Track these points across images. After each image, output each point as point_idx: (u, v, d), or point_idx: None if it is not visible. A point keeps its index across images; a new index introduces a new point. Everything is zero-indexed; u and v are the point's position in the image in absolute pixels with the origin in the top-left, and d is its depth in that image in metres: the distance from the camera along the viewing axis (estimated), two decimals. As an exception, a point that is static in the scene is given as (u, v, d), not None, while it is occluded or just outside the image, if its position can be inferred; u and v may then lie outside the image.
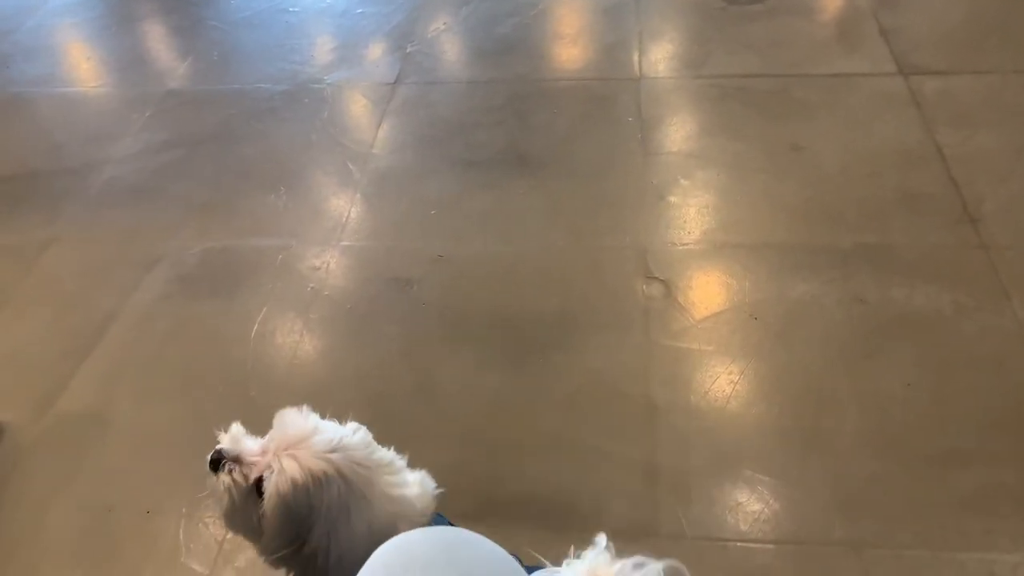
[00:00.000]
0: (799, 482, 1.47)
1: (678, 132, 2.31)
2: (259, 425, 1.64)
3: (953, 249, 1.86)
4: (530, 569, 0.87)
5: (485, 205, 2.14)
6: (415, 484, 1.07)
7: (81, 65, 2.98)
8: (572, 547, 0.83)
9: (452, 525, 1.04)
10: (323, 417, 1.04)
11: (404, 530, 0.86)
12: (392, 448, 1.08)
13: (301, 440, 0.98)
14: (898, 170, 2.07)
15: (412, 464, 1.04)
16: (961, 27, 2.55)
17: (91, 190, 2.33)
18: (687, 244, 1.95)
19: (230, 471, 1.00)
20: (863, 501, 1.43)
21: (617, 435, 1.58)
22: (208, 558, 1.46)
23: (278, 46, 2.87)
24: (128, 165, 2.41)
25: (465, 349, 1.78)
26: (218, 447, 1.03)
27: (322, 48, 2.85)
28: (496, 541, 0.81)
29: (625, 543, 0.81)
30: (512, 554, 0.82)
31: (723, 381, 1.65)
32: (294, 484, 0.95)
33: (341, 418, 1.06)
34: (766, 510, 1.43)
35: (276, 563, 1.01)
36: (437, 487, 1.09)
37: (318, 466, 0.96)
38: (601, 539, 0.79)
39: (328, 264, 2.01)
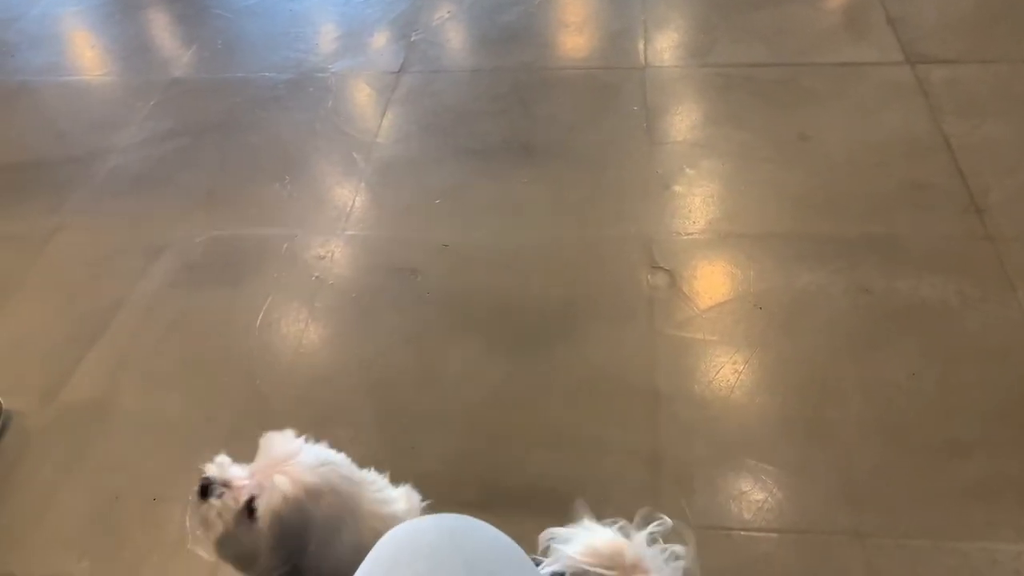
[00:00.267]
0: (803, 471, 1.47)
1: (684, 121, 2.30)
2: (264, 414, 1.66)
3: (959, 240, 1.85)
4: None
5: (490, 194, 2.14)
6: (401, 499, 1.07)
7: (85, 53, 2.97)
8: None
9: None
10: (307, 440, 1.05)
11: None
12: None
13: (288, 458, 0.98)
14: (905, 160, 2.06)
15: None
16: (969, 15, 2.53)
17: (96, 178, 2.33)
18: (692, 233, 1.95)
19: (220, 495, 1.00)
20: (867, 491, 1.43)
21: (621, 424, 1.58)
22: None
23: (282, 34, 2.86)
24: (133, 153, 2.41)
25: (469, 338, 1.78)
26: (205, 475, 1.02)
27: (326, 36, 2.85)
28: (500, 529, 0.81)
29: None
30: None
31: (727, 371, 1.65)
32: (287, 499, 0.94)
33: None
34: (770, 499, 1.44)
35: None
36: (423, 499, 1.09)
37: (310, 479, 0.96)
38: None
39: (333, 253, 2.02)
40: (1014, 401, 1.54)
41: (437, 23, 2.83)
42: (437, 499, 1.19)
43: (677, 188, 2.07)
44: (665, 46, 2.58)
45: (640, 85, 2.42)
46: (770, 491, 1.45)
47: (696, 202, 2.03)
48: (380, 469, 1.11)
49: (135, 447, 1.65)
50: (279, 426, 1.62)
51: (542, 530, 0.97)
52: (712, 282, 1.84)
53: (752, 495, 1.45)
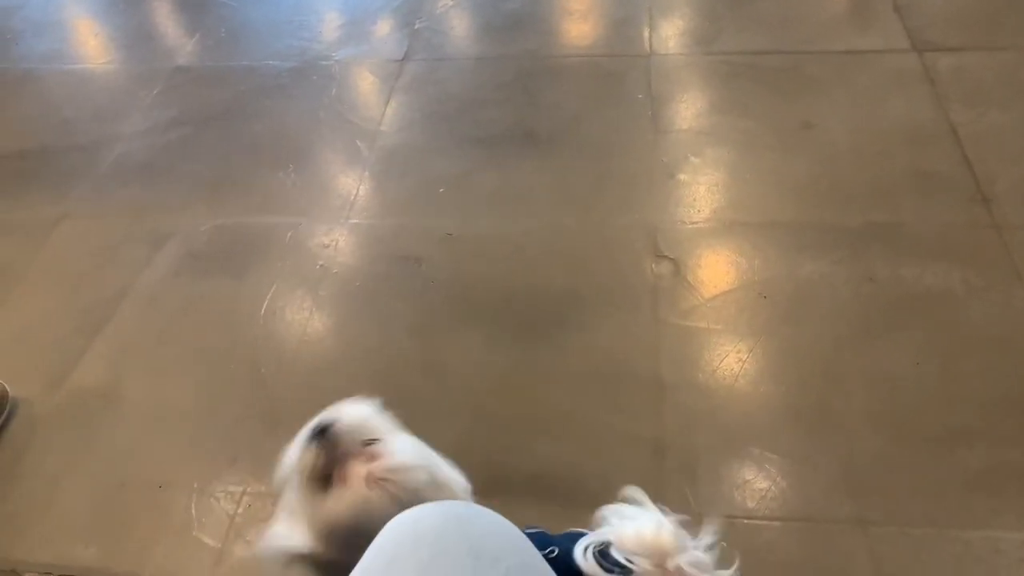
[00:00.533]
0: (806, 460, 1.47)
1: (688, 109, 2.29)
2: (268, 401, 1.66)
3: (964, 228, 1.85)
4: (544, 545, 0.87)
5: (494, 183, 2.13)
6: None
7: (89, 41, 2.97)
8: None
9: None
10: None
11: None
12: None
13: (399, 472, 0.88)
14: (910, 148, 2.05)
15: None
16: (976, 3, 2.51)
17: (101, 167, 2.33)
18: (696, 222, 1.95)
19: (322, 449, 0.89)
20: (870, 479, 1.43)
21: (625, 413, 1.58)
22: (220, 532, 1.48)
23: (286, 22, 2.85)
24: (137, 142, 2.41)
25: (473, 327, 1.79)
26: (334, 421, 0.93)
27: (330, 24, 2.84)
28: (504, 516, 0.81)
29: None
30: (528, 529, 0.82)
31: (731, 360, 1.65)
32: (368, 511, 0.84)
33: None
34: (773, 488, 1.44)
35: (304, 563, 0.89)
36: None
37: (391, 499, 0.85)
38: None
39: (337, 242, 2.02)
40: (1018, 390, 1.53)
41: (441, 11, 2.81)
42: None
43: (682, 176, 2.07)
44: (670, 34, 2.57)
45: (645, 73, 2.41)
46: (773, 479, 1.45)
47: (700, 191, 2.02)
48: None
49: (140, 435, 1.66)
50: (282, 417, 1.63)
51: (546, 517, 0.97)
52: (716, 271, 1.84)
53: (755, 483, 1.45)
